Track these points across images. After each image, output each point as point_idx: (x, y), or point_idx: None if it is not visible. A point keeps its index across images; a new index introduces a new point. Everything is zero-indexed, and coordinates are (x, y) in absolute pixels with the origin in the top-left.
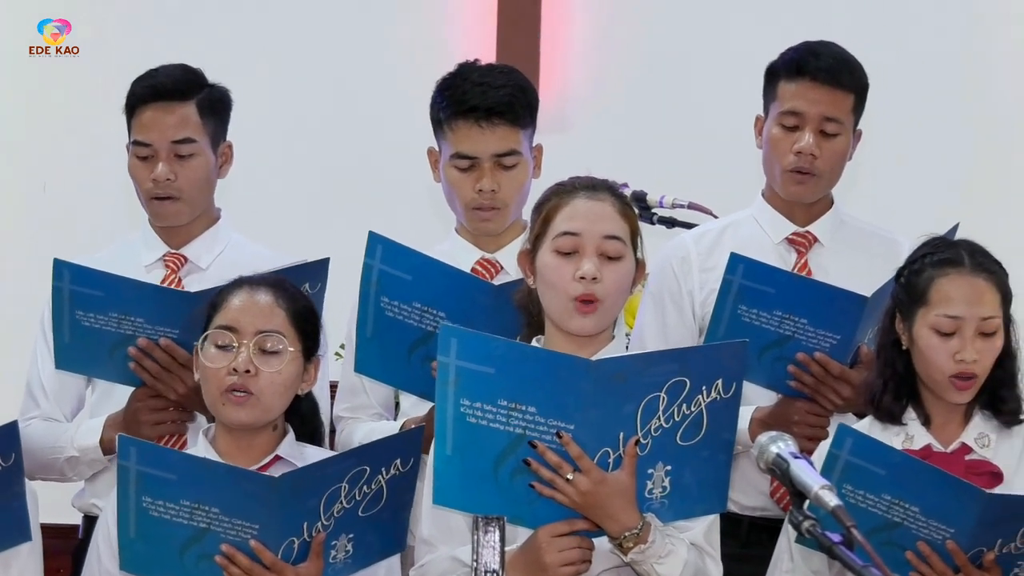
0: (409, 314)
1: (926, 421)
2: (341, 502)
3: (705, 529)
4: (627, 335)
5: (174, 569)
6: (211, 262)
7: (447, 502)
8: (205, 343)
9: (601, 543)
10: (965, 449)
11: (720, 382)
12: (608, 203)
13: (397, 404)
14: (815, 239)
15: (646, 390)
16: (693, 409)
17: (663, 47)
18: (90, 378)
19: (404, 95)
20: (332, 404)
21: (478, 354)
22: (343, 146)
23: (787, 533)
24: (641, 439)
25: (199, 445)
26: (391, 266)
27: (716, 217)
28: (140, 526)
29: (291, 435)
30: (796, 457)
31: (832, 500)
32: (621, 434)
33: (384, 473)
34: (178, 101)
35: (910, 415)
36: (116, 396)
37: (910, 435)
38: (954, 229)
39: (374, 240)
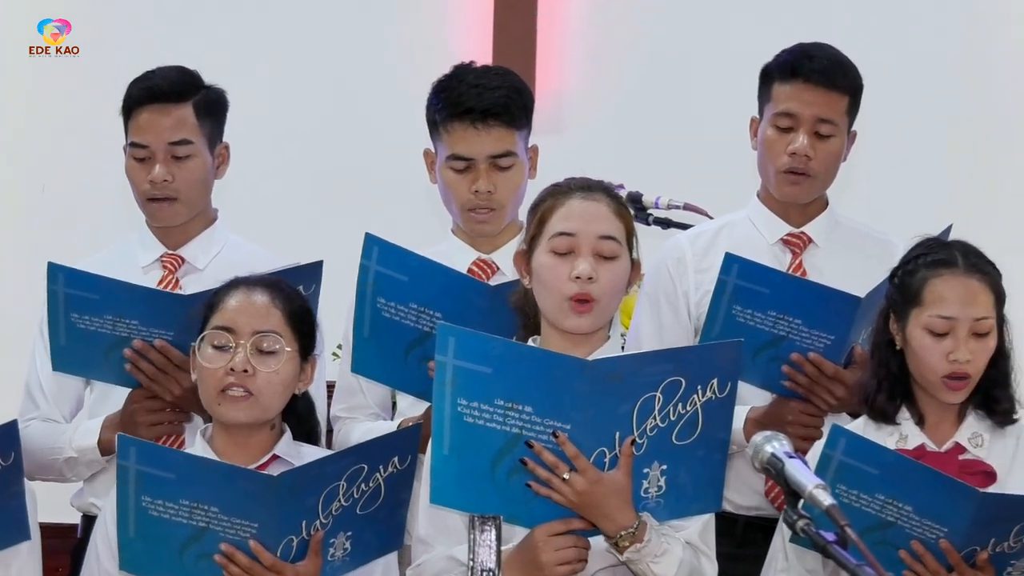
0: (405, 315)
1: (920, 421)
2: (339, 500)
3: (700, 528)
4: (623, 335)
5: (173, 568)
6: (208, 263)
7: (444, 501)
8: (202, 344)
9: (597, 542)
10: (959, 449)
11: (715, 382)
12: (603, 203)
13: (394, 404)
14: (810, 240)
15: (642, 390)
16: (688, 409)
17: (659, 49)
18: (88, 379)
19: (401, 96)
20: (328, 404)
21: (475, 354)
22: (340, 147)
23: (782, 532)
24: (637, 439)
25: (197, 445)
26: (387, 267)
27: (711, 218)
28: (139, 525)
29: (288, 434)
30: (790, 457)
31: (826, 499)
32: (617, 434)
33: (382, 471)
34: (175, 103)
35: (904, 415)
36: (114, 397)
37: (904, 435)
38: (948, 230)
39: (370, 241)
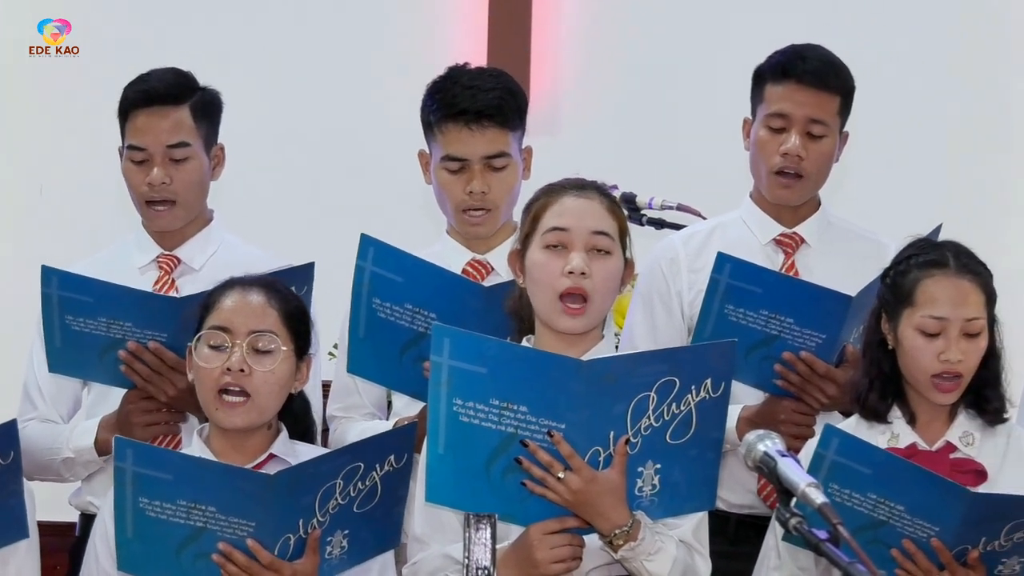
0: (401, 315)
1: (911, 420)
2: (336, 499)
3: (694, 526)
4: (616, 335)
5: (171, 568)
6: (204, 263)
7: (440, 500)
8: (198, 344)
9: (592, 540)
10: (950, 447)
11: (709, 382)
12: (596, 201)
13: (390, 404)
14: (802, 240)
15: (636, 390)
16: (682, 408)
17: (653, 50)
18: (85, 380)
19: (395, 97)
20: (324, 403)
21: (470, 354)
22: (335, 148)
23: (774, 530)
24: (631, 438)
25: (194, 445)
26: (383, 268)
27: (705, 219)
28: (137, 526)
29: (285, 433)
30: (783, 455)
31: (818, 497)
32: (611, 433)
33: (378, 469)
34: (172, 105)
35: (895, 414)
36: (112, 397)
37: (895, 434)
38: (937, 230)
39: (366, 242)
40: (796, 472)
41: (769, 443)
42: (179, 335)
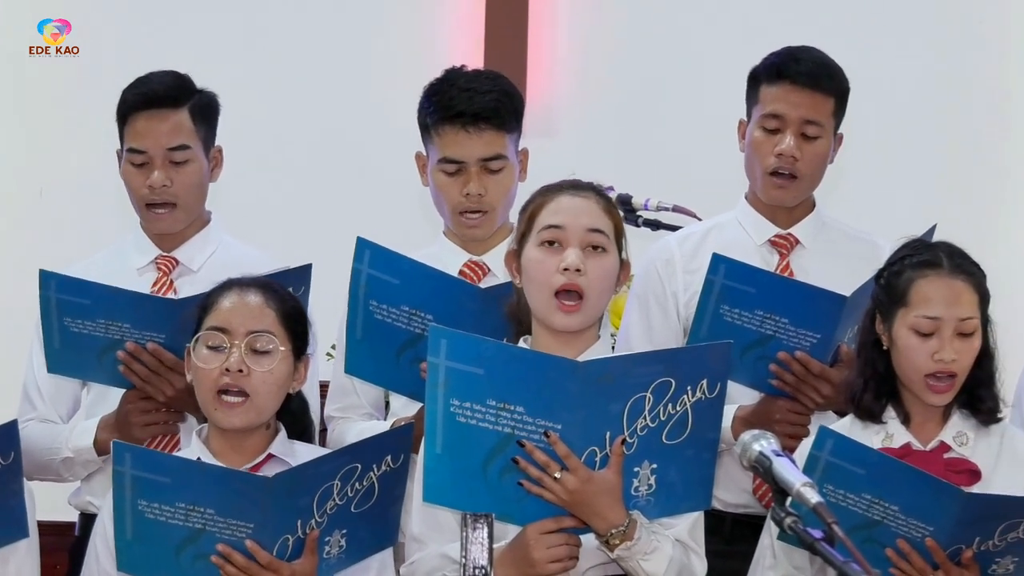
0: (397, 317)
1: (905, 420)
2: (334, 499)
3: (690, 526)
4: (612, 336)
5: (171, 569)
6: (202, 264)
7: (437, 499)
8: (197, 344)
9: (588, 540)
10: (944, 447)
11: (705, 382)
12: (592, 200)
13: (387, 404)
14: (797, 241)
15: (632, 390)
16: (678, 409)
17: (648, 52)
18: (84, 381)
19: (393, 100)
20: (322, 403)
21: (467, 355)
22: (332, 150)
23: (769, 530)
24: (627, 438)
25: (193, 445)
26: (379, 270)
27: (700, 220)
28: (136, 528)
29: (283, 433)
30: (778, 455)
31: (813, 497)
32: (608, 433)
33: (375, 469)
34: (171, 108)
35: (890, 414)
36: (111, 398)
37: (890, 433)
38: (931, 230)
39: (362, 245)
40: (791, 472)
41: (764, 443)
42: (177, 336)
